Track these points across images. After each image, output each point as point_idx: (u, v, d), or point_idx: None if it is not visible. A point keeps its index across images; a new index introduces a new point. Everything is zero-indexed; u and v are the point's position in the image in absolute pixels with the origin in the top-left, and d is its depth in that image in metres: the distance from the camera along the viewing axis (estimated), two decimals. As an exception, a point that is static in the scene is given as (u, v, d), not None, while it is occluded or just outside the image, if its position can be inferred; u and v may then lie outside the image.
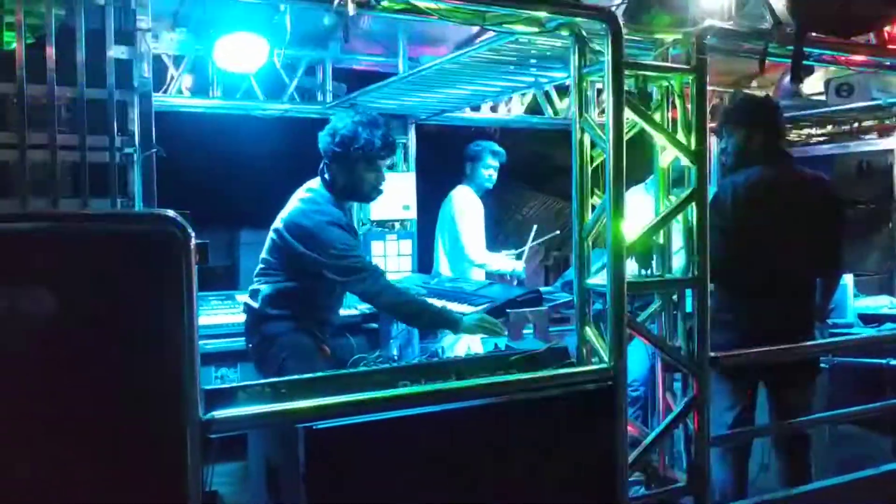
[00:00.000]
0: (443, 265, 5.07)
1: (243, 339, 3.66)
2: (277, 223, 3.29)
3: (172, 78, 4.32)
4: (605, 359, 2.58)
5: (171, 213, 1.93)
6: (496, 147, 5.19)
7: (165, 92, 4.25)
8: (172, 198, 3.19)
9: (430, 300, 3.63)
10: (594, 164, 2.77)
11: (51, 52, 2.66)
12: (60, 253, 1.84)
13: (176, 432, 1.88)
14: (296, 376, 2.58)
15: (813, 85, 5.01)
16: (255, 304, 3.30)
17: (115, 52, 2.78)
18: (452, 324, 3.20)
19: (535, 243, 5.34)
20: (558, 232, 5.35)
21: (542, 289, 3.84)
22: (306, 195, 3.31)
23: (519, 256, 5.17)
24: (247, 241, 9.95)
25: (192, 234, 1.91)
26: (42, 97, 2.66)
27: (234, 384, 2.44)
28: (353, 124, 3.23)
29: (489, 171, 5.13)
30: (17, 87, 2.62)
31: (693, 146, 2.73)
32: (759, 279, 3.17)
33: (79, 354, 1.83)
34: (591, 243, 2.74)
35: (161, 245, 1.89)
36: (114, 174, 2.77)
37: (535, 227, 5.38)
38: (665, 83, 2.79)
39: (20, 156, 2.63)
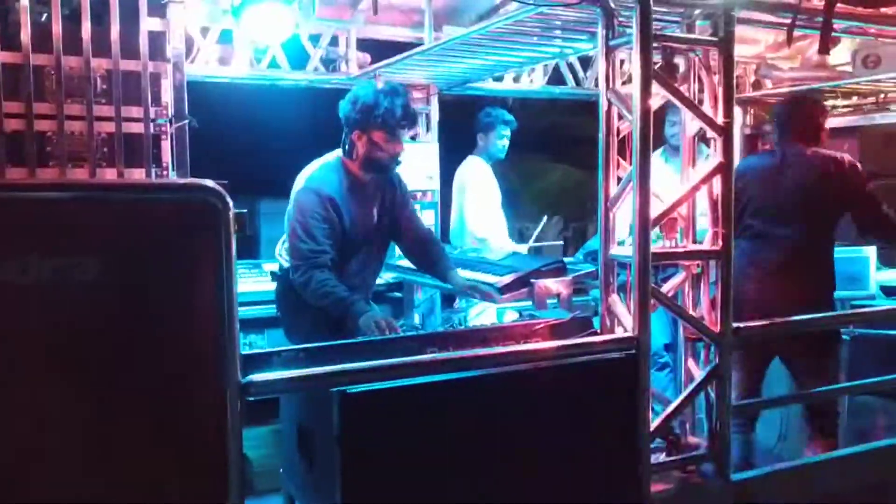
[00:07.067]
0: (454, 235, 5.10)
1: (270, 306, 3.72)
2: None
3: (199, 49, 4.35)
4: (630, 328, 2.62)
5: (210, 183, 1.98)
6: (507, 115, 5.15)
7: (192, 62, 4.29)
8: (195, 167, 3.25)
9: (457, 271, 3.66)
10: (620, 136, 2.79)
11: (86, 24, 2.72)
12: (104, 221, 1.90)
13: (217, 395, 1.95)
14: (327, 342, 2.64)
15: (839, 56, 4.97)
16: (284, 273, 3.36)
17: (149, 24, 2.83)
18: (352, 316, 3.03)
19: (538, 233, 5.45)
20: (545, 218, 5.46)
21: (565, 259, 3.88)
22: (316, 164, 3.30)
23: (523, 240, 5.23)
24: (266, 210, 10.02)
25: (231, 204, 1.96)
26: (78, 69, 2.73)
27: (269, 349, 2.51)
28: (375, 93, 3.17)
29: (503, 140, 5.11)
30: (55, 59, 2.68)
31: (719, 119, 2.74)
32: (764, 253, 3.28)
33: (122, 321, 1.89)
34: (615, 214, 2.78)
35: (201, 214, 1.94)
36: (148, 144, 2.84)
37: (544, 218, 5.43)
38: (692, 55, 2.80)
39: (58, 126, 2.69)
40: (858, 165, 3.46)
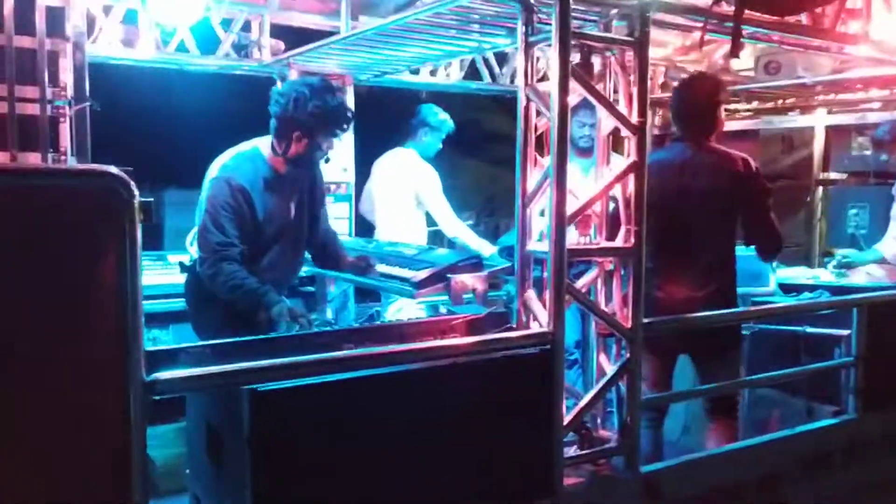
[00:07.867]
0: (384, 228, 5.02)
1: (175, 300, 3.59)
2: None
3: (101, 28, 4.14)
4: (545, 324, 2.64)
5: (114, 169, 1.87)
6: (451, 124, 5.14)
7: (94, 42, 4.07)
8: (96, 153, 3.10)
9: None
10: (538, 133, 2.81)
11: (-24, -4, 2.54)
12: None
13: (119, 393, 1.86)
14: (237, 338, 2.55)
15: (742, 61, 5.17)
16: (193, 265, 3.24)
17: (46, -2, 2.68)
18: (264, 307, 2.99)
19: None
20: (471, 222, 5.57)
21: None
22: (231, 153, 3.19)
23: None
24: (172, 200, 9.67)
25: (136, 192, 1.87)
26: (-33, 44, 2.55)
27: (175, 346, 2.41)
28: (320, 91, 3.08)
29: (440, 144, 5.11)
30: (-60, 32, 2.50)
31: (633, 118, 2.79)
32: (667, 255, 3.34)
33: (17, 315, 1.77)
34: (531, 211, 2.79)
35: (103, 202, 1.84)
36: (45, 127, 2.68)
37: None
38: (608, 54, 2.84)
39: (-56, 105, 2.51)
40: (755, 169, 3.48)
